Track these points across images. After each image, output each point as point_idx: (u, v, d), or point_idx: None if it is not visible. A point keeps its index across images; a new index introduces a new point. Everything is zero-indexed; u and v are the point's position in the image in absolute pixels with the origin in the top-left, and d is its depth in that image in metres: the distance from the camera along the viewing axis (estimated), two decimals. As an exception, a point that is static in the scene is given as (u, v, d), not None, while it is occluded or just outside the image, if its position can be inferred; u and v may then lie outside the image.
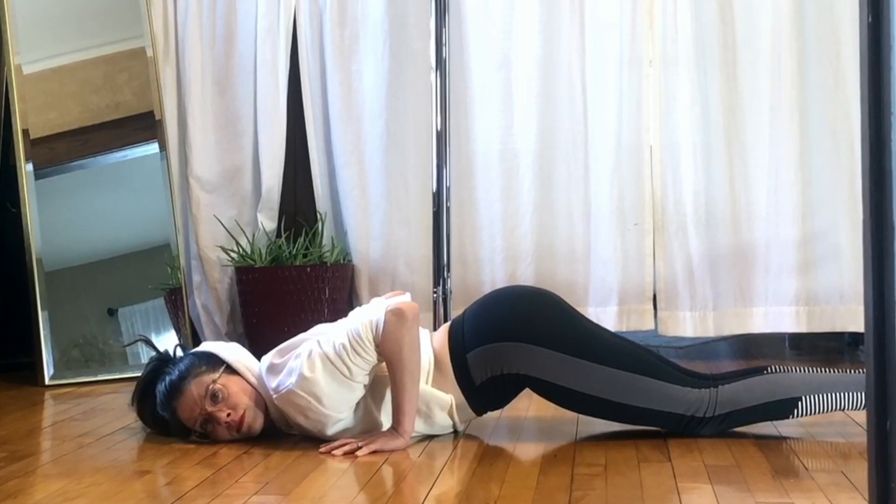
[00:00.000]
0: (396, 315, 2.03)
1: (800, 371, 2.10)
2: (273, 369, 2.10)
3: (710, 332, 3.28)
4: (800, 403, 2.07)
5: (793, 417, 2.10)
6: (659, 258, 3.29)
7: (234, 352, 2.21)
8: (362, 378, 2.06)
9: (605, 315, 3.27)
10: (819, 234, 3.22)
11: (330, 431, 2.09)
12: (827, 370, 2.12)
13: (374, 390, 2.12)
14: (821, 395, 2.07)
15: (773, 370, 2.10)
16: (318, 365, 2.01)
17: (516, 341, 2.08)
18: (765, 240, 3.25)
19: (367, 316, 2.06)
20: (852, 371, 2.12)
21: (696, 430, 2.08)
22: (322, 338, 2.06)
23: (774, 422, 2.16)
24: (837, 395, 2.07)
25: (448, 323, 2.22)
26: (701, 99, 3.26)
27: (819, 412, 2.08)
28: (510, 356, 2.08)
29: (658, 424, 2.12)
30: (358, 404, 2.11)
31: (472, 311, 2.20)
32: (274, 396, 2.09)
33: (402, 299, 2.13)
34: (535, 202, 3.35)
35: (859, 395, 2.06)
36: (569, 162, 3.34)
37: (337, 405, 2.05)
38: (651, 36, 3.29)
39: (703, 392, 2.06)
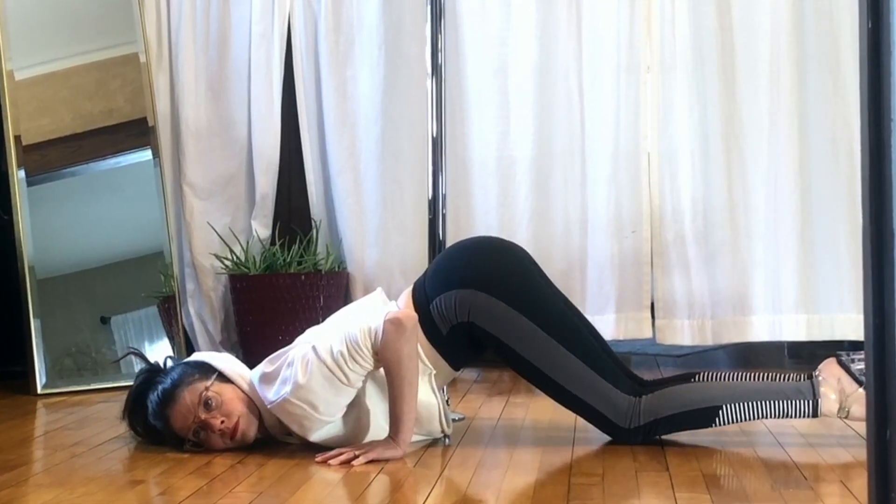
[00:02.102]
0: (395, 325, 2.02)
1: (725, 379, 2.12)
2: (266, 378, 2.09)
3: (709, 340, 3.26)
4: (720, 412, 2.09)
5: (715, 426, 2.11)
6: (657, 266, 3.28)
7: (225, 361, 2.21)
8: (358, 383, 2.05)
9: (603, 323, 3.26)
10: (818, 241, 3.21)
11: (318, 436, 2.08)
12: (758, 377, 2.13)
13: (366, 393, 2.11)
14: (741, 404, 2.08)
15: (700, 378, 2.13)
16: (315, 372, 2.00)
17: (467, 288, 2.11)
18: (763, 247, 3.23)
19: (365, 322, 2.05)
20: (785, 378, 2.11)
21: (625, 438, 2.12)
22: (318, 343, 2.05)
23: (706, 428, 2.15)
24: (758, 403, 2.08)
25: (412, 285, 2.22)
26: (699, 105, 3.24)
27: (741, 420, 2.10)
28: (463, 302, 2.11)
29: (594, 422, 2.15)
30: (348, 408, 2.09)
31: (433, 263, 2.26)
32: (269, 405, 2.07)
33: (400, 303, 2.14)
34: (532, 209, 3.34)
35: (782, 402, 2.07)
36: (566, 169, 3.33)
37: (332, 410, 2.05)
38: (649, 42, 3.28)
39: (629, 399, 2.10)
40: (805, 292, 3.20)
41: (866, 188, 1.12)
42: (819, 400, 2.06)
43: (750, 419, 2.10)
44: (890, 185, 1.11)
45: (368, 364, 2.03)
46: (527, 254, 2.26)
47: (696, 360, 3.47)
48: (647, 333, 3.28)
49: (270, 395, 2.07)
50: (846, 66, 3.15)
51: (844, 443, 2.15)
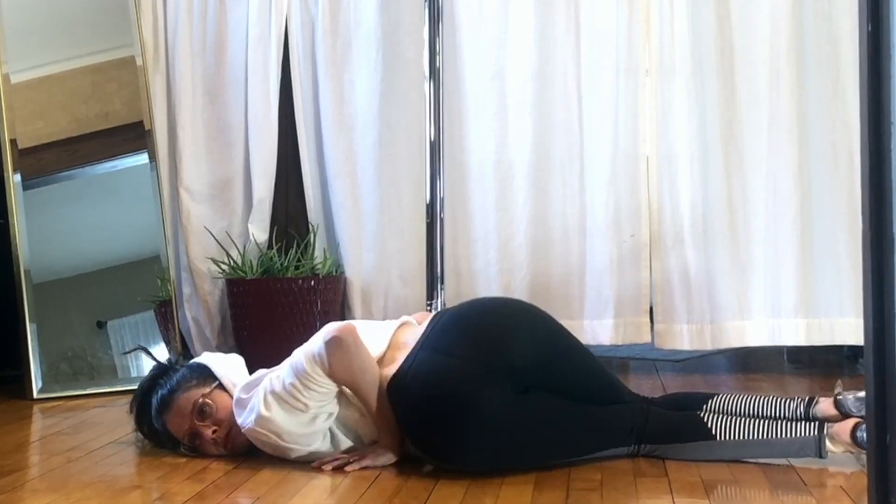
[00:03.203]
0: (335, 345, 1.98)
1: (732, 436, 2.02)
2: (239, 404, 2.11)
3: (708, 345, 3.25)
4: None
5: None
6: (655, 270, 3.27)
7: (228, 367, 2.21)
8: (323, 408, 2.01)
9: (601, 328, 3.25)
10: (818, 245, 3.19)
11: (304, 455, 2.06)
12: (764, 433, 2.01)
13: (341, 414, 2.08)
14: (741, 459, 2.02)
15: (707, 429, 2.02)
16: (274, 404, 2.00)
17: (437, 457, 1.99)
18: (763, 251, 3.22)
19: (307, 349, 2.02)
20: (794, 428, 2.01)
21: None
22: (274, 378, 2.04)
23: None
24: (759, 458, 2.02)
25: (402, 360, 2.05)
26: (698, 109, 3.23)
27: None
28: (431, 457, 2.01)
29: None
30: (332, 431, 2.08)
31: (409, 372, 2.00)
32: (243, 430, 2.08)
33: (341, 323, 2.06)
34: (530, 213, 3.33)
35: (784, 460, 2.01)
36: (564, 173, 3.32)
37: (299, 439, 2.03)
38: (647, 45, 3.27)
39: (629, 449, 2.06)
40: (805, 297, 3.18)
41: (866, 192, 1.12)
42: (825, 456, 1.98)
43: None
44: (890, 189, 1.11)
45: (325, 387, 1.99)
46: (516, 336, 2.05)
47: (695, 365, 3.45)
48: (646, 338, 3.27)
49: (241, 420, 2.08)
50: (846, 69, 3.13)
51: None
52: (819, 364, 3.43)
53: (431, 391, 1.95)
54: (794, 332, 3.19)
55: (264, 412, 1.99)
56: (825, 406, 2.07)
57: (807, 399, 2.12)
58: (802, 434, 1.98)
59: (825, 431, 1.97)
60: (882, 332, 1.14)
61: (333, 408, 2.04)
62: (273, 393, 2.00)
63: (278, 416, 1.99)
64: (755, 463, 2.02)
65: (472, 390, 1.93)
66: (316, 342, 2.02)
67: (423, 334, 2.05)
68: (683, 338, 3.24)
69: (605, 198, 3.28)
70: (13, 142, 3.16)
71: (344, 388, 2.04)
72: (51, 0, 3.30)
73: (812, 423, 2.00)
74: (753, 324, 3.21)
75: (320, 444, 2.06)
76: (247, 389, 2.10)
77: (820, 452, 1.96)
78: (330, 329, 2.02)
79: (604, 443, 2.06)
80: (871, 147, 1.11)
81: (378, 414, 2.02)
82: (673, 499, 1.77)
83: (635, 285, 3.27)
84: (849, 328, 3.16)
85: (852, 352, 3.41)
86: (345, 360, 1.98)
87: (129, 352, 3.14)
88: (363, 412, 2.06)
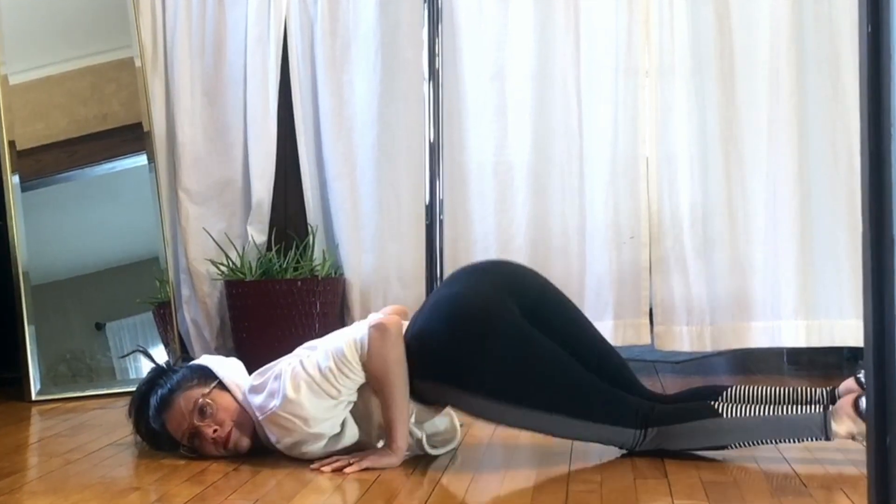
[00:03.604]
0: (380, 331, 2.01)
1: (739, 412, 2.02)
2: (255, 390, 2.09)
3: (707, 346, 3.25)
4: (727, 448, 2.04)
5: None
6: (655, 272, 3.27)
7: (228, 368, 2.21)
8: (350, 396, 2.04)
9: (601, 329, 3.18)
10: (817, 247, 3.19)
11: (314, 449, 2.06)
12: (772, 409, 2.02)
13: (360, 406, 2.09)
14: (749, 443, 2.02)
15: (715, 409, 2.03)
16: (303, 388, 1.99)
17: (448, 385, 2.03)
18: (762, 253, 3.22)
19: (350, 335, 2.04)
20: (800, 406, 2.04)
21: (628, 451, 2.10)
22: (305, 359, 2.04)
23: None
24: (767, 441, 2.02)
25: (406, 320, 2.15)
26: (698, 110, 3.23)
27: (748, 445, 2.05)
28: (444, 395, 2.06)
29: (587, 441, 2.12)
30: (344, 422, 2.08)
31: (417, 327, 2.09)
32: (259, 417, 2.07)
33: (399, 314, 2.13)
34: (530, 215, 3.32)
35: (792, 440, 2.01)
36: (563, 174, 3.32)
37: (323, 425, 2.03)
38: (647, 46, 3.27)
39: (634, 433, 2.05)
40: (804, 298, 3.18)
41: (866, 193, 1.12)
42: (831, 437, 1.98)
43: (755, 445, 2.05)
44: (890, 191, 1.11)
45: (358, 376, 2.01)
46: (521, 283, 2.17)
47: (694, 367, 3.45)
48: (646, 340, 3.27)
49: (258, 407, 2.06)
50: (846, 70, 3.13)
51: (845, 450, 2.13)
52: (819, 366, 3.42)
53: (447, 310, 2.05)
54: (793, 334, 3.19)
55: (292, 395, 1.98)
56: (847, 384, 2.07)
57: (830, 388, 2.10)
58: (809, 412, 1.98)
59: (829, 409, 1.97)
60: (882, 334, 1.14)
61: (354, 396, 2.04)
62: (306, 376, 1.99)
63: (306, 399, 1.98)
64: (755, 464, 2.01)
65: (487, 304, 2.04)
66: (359, 329, 2.03)
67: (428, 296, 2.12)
68: (683, 339, 3.24)
69: (605, 199, 3.28)
70: (12, 143, 3.16)
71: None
72: (50, 1, 3.30)
73: (818, 405, 2.00)
74: (753, 325, 3.21)
75: (332, 432, 2.05)
76: (261, 375, 2.10)
77: (826, 432, 1.95)
78: (376, 317, 2.06)
79: (610, 415, 2.04)
80: (871, 148, 1.11)
81: (397, 412, 2.01)
82: (672, 500, 1.77)
83: (635, 287, 3.26)
84: (849, 330, 3.15)
85: (852, 353, 3.41)
86: (384, 347, 1.99)
87: (128, 354, 3.13)
88: (374, 410, 2.06)
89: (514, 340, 2.01)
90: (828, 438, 1.96)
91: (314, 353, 2.05)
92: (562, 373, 2.04)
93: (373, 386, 2.04)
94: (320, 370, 2.00)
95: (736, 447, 2.03)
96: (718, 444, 2.03)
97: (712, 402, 2.07)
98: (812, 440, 1.98)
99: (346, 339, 2.03)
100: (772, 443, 2.03)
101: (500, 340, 2.01)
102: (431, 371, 2.04)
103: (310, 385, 1.99)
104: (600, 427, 2.04)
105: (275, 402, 2.02)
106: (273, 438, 2.07)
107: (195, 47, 3.48)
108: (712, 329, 3.23)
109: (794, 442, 2.02)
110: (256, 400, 2.07)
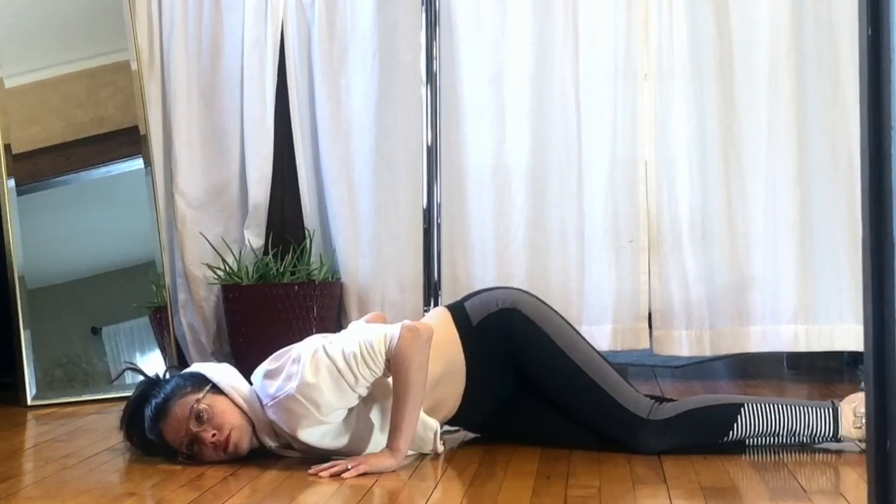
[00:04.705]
0: (413, 333, 2.03)
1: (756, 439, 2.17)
2: (270, 374, 2.08)
3: (707, 351, 3.24)
4: (742, 409, 2.10)
5: (734, 432, 2.10)
6: (654, 276, 3.26)
7: (221, 372, 2.20)
8: (363, 389, 2.04)
9: (599, 334, 3.24)
10: (817, 251, 3.18)
11: (310, 439, 2.05)
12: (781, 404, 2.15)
13: (370, 408, 2.10)
14: (762, 405, 2.11)
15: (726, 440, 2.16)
16: (324, 371, 1.99)
17: (509, 288, 2.32)
18: (762, 257, 3.21)
19: (382, 329, 2.06)
20: (808, 407, 2.13)
21: (639, 433, 2.12)
22: (328, 345, 2.04)
23: (776, 443, 2.17)
24: (779, 405, 2.11)
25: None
26: (697, 113, 3.22)
27: (760, 426, 2.10)
28: (503, 295, 2.24)
29: (611, 420, 2.15)
30: (349, 415, 2.07)
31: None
32: (270, 403, 2.05)
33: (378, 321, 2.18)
34: (528, 219, 3.31)
35: (803, 409, 2.11)
36: (562, 178, 3.31)
37: (332, 413, 2.03)
38: (646, 49, 3.26)
39: (649, 401, 2.16)
40: (804, 302, 3.17)
41: (866, 197, 1.11)
42: (840, 420, 2.09)
43: (770, 425, 2.10)
44: (890, 194, 1.10)
45: (378, 369, 2.02)
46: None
47: (694, 371, 3.45)
48: (645, 344, 3.26)
49: (273, 390, 2.05)
50: (846, 73, 3.12)
51: (845, 455, 2.13)
52: (819, 370, 3.42)
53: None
54: (793, 339, 3.18)
55: (311, 379, 1.98)
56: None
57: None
58: (820, 410, 2.10)
59: (839, 408, 2.10)
60: (882, 339, 1.13)
61: (366, 391, 2.05)
62: (327, 360, 1.99)
63: (324, 383, 1.98)
64: (754, 469, 2.01)
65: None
66: (392, 326, 2.05)
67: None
68: (682, 344, 3.23)
69: (604, 203, 3.27)
70: (7, 147, 3.15)
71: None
72: (45, 4, 3.29)
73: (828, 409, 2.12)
74: (752, 330, 3.20)
75: (338, 421, 2.05)
76: (277, 359, 2.09)
77: (837, 426, 2.08)
78: (370, 318, 2.14)
79: (626, 391, 2.14)
80: (871, 152, 1.10)
81: (408, 415, 2.01)
82: (671, 505, 1.76)
83: (633, 291, 3.26)
84: (849, 334, 3.14)
85: (852, 358, 3.40)
86: (412, 348, 2.00)
87: (118, 376, 3.12)
88: (377, 419, 2.07)
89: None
90: (836, 425, 2.08)
91: (338, 340, 2.05)
92: (585, 345, 2.23)
93: (392, 385, 2.04)
94: (344, 355, 2.00)
95: (746, 419, 2.08)
96: (733, 402, 2.12)
97: (721, 441, 2.15)
98: (824, 416, 2.08)
99: (376, 332, 2.04)
100: (782, 413, 2.09)
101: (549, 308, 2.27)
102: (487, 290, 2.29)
103: (330, 370, 1.99)
104: (620, 384, 2.15)
105: (291, 385, 2.00)
106: (277, 420, 2.06)
107: (192, 50, 3.47)
108: (711, 333, 3.22)
109: (805, 418, 2.09)
110: (272, 384, 2.05)
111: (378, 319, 2.22)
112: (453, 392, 2.19)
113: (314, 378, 1.98)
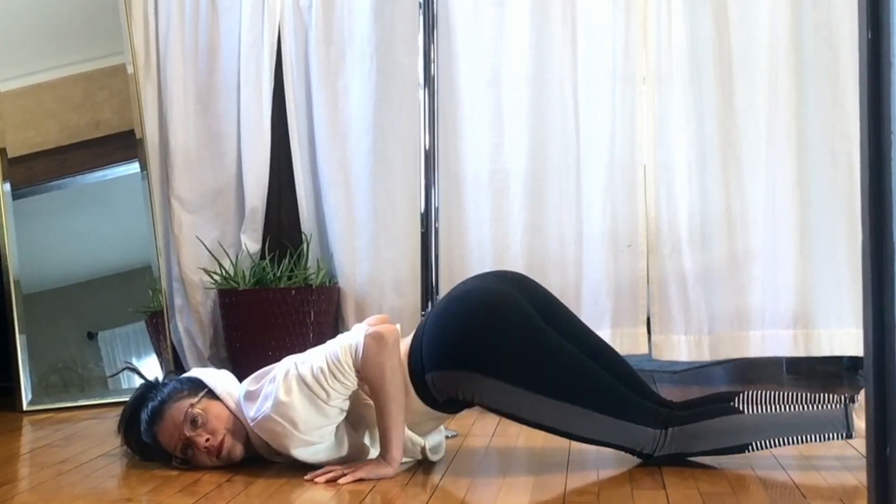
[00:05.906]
0: (376, 339, 2.00)
1: (760, 408, 2.03)
2: (249, 396, 2.08)
3: (706, 356, 3.22)
4: (749, 448, 2.03)
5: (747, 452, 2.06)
6: (653, 280, 3.24)
7: (218, 378, 2.20)
8: (339, 403, 2.02)
9: (598, 338, 3.23)
10: (817, 255, 3.17)
11: (308, 456, 2.05)
12: (794, 400, 2.04)
13: (355, 417, 2.08)
14: (772, 440, 2.02)
15: (737, 403, 2.04)
16: (295, 388, 1.98)
17: (468, 370, 2.02)
18: (761, 261, 3.19)
19: (346, 340, 2.03)
20: (821, 403, 2.03)
21: (645, 460, 2.08)
22: (300, 363, 2.03)
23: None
24: (789, 438, 2.02)
25: (411, 335, 2.14)
26: (696, 116, 3.21)
27: (770, 449, 2.05)
28: (463, 384, 2.03)
29: (606, 446, 2.09)
30: (339, 431, 2.06)
31: (430, 325, 2.11)
32: (251, 424, 2.05)
33: (382, 323, 2.11)
34: (526, 223, 3.30)
35: (814, 436, 2.01)
36: (560, 181, 3.30)
37: (312, 430, 2.01)
38: (645, 52, 3.25)
39: (654, 432, 2.04)
40: (804, 307, 3.16)
41: (866, 201, 1.11)
42: (853, 433, 2.00)
43: (780, 447, 2.06)
44: (890, 198, 1.09)
45: (350, 382, 2.00)
46: (526, 287, 2.20)
47: (693, 376, 3.43)
48: (644, 349, 3.24)
49: (252, 412, 2.05)
50: (845, 76, 3.11)
51: (844, 461, 2.12)
52: (818, 375, 3.41)
53: (461, 304, 2.09)
54: (793, 343, 3.16)
55: (283, 397, 1.97)
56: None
57: (849, 395, 2.07)
58: (830, 408, 1.99)
59: (855, 403, 1.98)
60: (882, 343, 1.13)
61: (346, 405, 2.03)
62: (298, 377, 1.98)
63: (298, 401, 1.97)
64: (753, 475, 2.00)
65: (499, 295, 2.09)
66: (355, 336, 2.02)
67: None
68: (681, 348, 3.22)
69: (602, 207, 3.26)
70: (3, 151, 3.14)
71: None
72: (41, 8, 3.28)
73: (840, 398, 2.01)
74: (752, 334, 3.18)
75: (327, 439, 2.03)
76: (256, 380, 2.08)
77: (848, 426, 1.97)
78: (373, 321, 2.07)
79: (629, 412, 2.03)
80: (871, 155, 1.09)
81: (392, 422, 1.99)
82: (670, 512, 1.75)
83: (632, 295, 3.24)
84: (848, 339, 3.13)
85: (852, 363, 3.39)
86: (380, 355, 1.98)
87: (117, 373, 3.11)
88: (371, 420, 2.05)
89: (527, 328, 2.04)
90: (849, 435, 1.98)
91: (309, 357, 2.04)
92: (578, 363, 2.05)
93: (370, 394, 2.02)
94: (312, 371, 1.98)
95: (758, 448, 2.02)
96: (740, 442, 2.03)
97: (731, 402, 2.06)
98: (834, 436, 1.99)
99: (340, 344, 2.02)
100: (794, 441, 2.02)
101: (515, 327, 2.03)
102: (448, 360, 2.03)
103: (301, 387, 1.98)
104: (620, 424, 2.03)
105: (267, 405, 2.00)
106: (265, 439, 2.05)
107: (188, 54, 3.46)
108: (711, 338, 3.21)
109: (817, 439, 2.01)
110: (251, 406, 2.05)
111: (382, 322, 2.19)
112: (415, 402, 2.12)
113: (287, 397, 1.97)
